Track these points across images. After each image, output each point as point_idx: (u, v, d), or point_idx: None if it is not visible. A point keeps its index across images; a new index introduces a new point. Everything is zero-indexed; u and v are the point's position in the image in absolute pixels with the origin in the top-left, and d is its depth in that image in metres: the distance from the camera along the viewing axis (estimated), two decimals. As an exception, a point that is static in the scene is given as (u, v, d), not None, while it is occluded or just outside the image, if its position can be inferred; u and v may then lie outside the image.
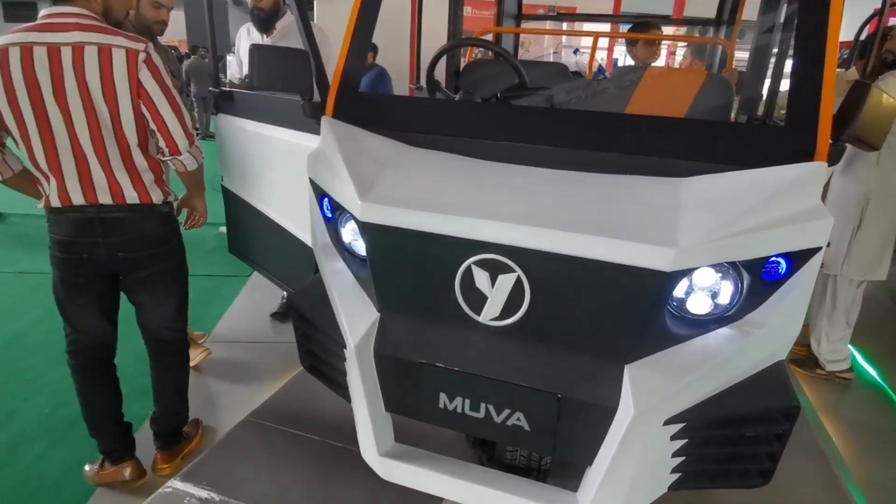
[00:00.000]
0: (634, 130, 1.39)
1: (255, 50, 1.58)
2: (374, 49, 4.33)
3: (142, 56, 1.52)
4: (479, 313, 1.21)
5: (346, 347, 1.41)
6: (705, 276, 1.16)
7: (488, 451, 1.71)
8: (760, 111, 2.17)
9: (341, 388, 1.58)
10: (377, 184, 1.30)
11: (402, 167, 1.37)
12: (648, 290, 1.09)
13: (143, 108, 1.56)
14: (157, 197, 1.69)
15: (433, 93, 1.91)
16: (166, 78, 1.59)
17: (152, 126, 1.60)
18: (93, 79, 1.48)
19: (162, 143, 1.63)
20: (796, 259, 1.19)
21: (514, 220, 1.12)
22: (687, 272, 1.11)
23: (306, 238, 1.95)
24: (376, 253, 1.28)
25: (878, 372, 2.81)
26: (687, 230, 1.08)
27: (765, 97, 2.13)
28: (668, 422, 1.16)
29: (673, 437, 1.19)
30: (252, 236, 2.38)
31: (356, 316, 1.34)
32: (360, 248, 1.43)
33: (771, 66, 2.17)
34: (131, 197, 1.64)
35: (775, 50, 2.19)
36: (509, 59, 1.74)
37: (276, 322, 3.12)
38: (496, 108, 1.61)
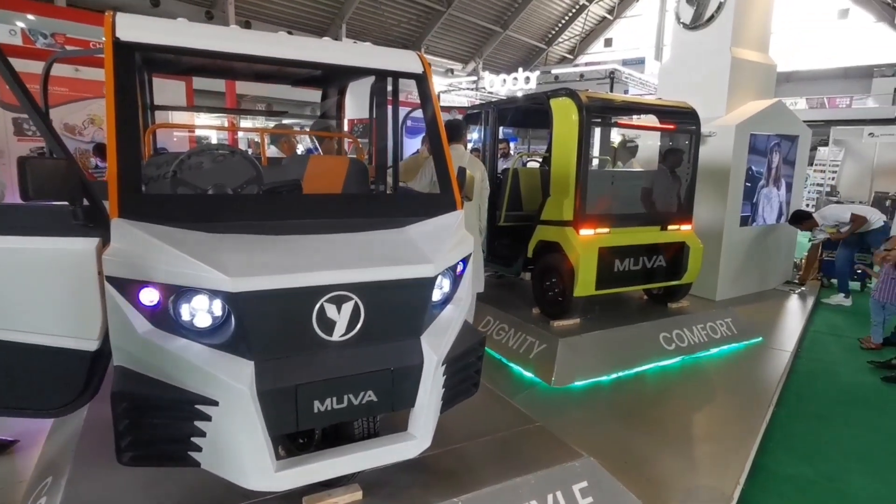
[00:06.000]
0: (363, 203, 2.24)
1: (25, 163, 1.59)
2: None
3: None
4: (331, 335, 1.78)
5: (213, 404, 1.68)
6: (440, 278, 2.09)
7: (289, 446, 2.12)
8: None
9: (182, 458, 1.76)
10: (228, 263, 1.67)
11: (230, 248, 1.76)
12: (425, 290, 1.93)
13: None
14: None
15: (176, 187, 2.20)
16: None
17: None
18: None
19: None
20: (465, 260, 2.27)
21: (350, 266, 1.77)
22: (437, 276, 2.01)
23: (79, 344, 1.87)
24: (248, 315, 1.65)
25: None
26: (432, 253, 1.98)
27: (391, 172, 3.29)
28: (442, 364, 2.02)
29: (443, 374, 2.06)
30: None
31: (232, 371, 1.65)
32: (202, 321, 1.72)
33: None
34: None
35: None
36: (252, 161, 2.26)
37: None
38: (262, 198, 2.13)
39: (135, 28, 1.95)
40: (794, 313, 6.01)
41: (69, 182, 1.71)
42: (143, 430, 1.71)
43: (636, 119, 5.99)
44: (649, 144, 6.90)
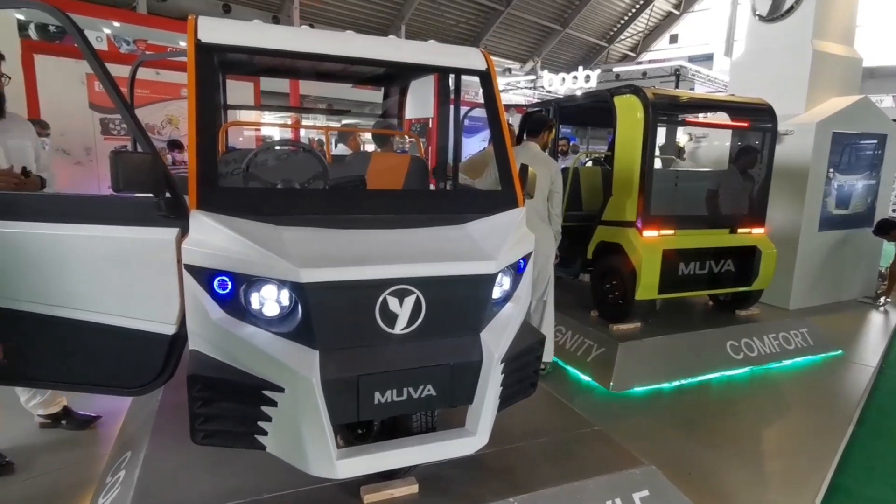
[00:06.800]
0: (425, 199, 2.25)
1: (116, 157, 1.70)
2: None
3: None
4: (392, 328, 1.80)
5: (280, 390, 1.73)
6: (500, 275, 2.07)
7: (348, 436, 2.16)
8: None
9: (249, 440, 1.83)
10: (297, 254, 1.72)
11: (299, 240, 1.82)
12: (485, 287, 1.92)
13: None
14: None
15: (248, 181, 2.29)
16: None
17: None
18: None
19: None
20: (526, 258, 2.24)
21: (412, 260, 1.79)
22: (497, 274, 1.99)
23: (158, 328, 1.99)
24: (315, 305, 1.70)
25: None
26: (493, 250, 1.96)
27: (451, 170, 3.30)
28: (501, 361, 2.00)
29: (501, 372, 2.04)
30: (44, 351, 2.06)
31: (297, 359, 1.70)
32: (271, 309, 1.78)
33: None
34: None
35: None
36: (319, 157, 2.32)
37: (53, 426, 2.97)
38: (331, 193, 2.19)
39: (215, 30, 2.05)
40: (878, 326, 5.57)
41: (154, 175, 1.81)
42: (215, 412, 1.79)
43: (703, 117, 5.74)
44: (716, 145, 6.59)
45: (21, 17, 7.41)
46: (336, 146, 6.53)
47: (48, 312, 2.02)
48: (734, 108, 4.74)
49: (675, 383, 3.94)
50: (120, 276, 1.97)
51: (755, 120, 4.63)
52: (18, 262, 1.99)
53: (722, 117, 5.04)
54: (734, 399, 3.80)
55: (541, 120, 3.90)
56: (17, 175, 2.47)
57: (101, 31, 10.82)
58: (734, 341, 4.31)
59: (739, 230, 4.44)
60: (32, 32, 9.48)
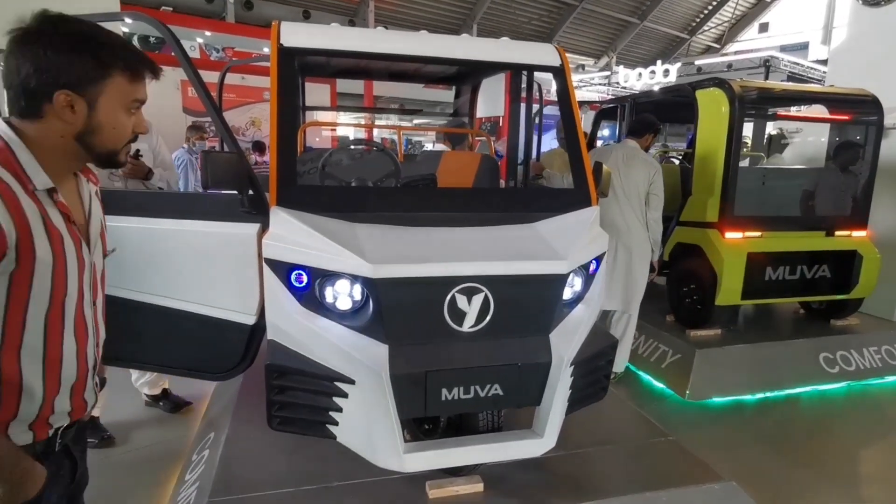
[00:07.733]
0: (495, 197, 2.24)
1: (206, 156, 1.82)
2: None
3: None
4: (461, 325, 1.80)
5: (350, 382, 1.78)
6: (572, 276, 2.02)
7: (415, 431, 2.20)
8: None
9: (321, 429, 1.89)
10: (369, 250, 1.76)
11: (371, 237, 1.86)
12: (556, 287, 1.88)
13: None
14: None
15: (324, 179, 2.39)
16: None
17: None
18: None
19: None
20: (599, 259, 2.17)
21: (481, 259, 1.78)
22: (568, 274, 1.95)
23: (240, 317, 2.11)
24: (385, 300, 1.73)
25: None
26: (564, 250, 1.92)
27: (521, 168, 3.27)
28: (570, 364, 1.95)
29: (571, 375, 1.99)
30: (139, 335, 2.26)
31: (368, 353, 1.74)
32: (344, 303, 1.83)
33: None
34: None
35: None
36: (392, 156, 2.37)
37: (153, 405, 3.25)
38: (403, 191, 2.22)
39: (296, 34, 2.14)
40: None
41: (239, 174, 1.92)
42: (290, 401, 1.87)
43: (795, 110, 5.32)
44: (810, 140, 6.09)
45: (126, 29, 8.09)
46: (434, 144, 6.66)
47: (144, 300, 2.19)
48: (833, 101, 4.36)
49: (760, 395, 3.68)
50: (206, 267, 2.11)
51: (857, 113, 4.24)
52: (122, 254, 2.17)
53: (818, 111, 4.66)
54: (828, 416, 3.51)
55: (648, 122, 3.75)
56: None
57: (195, 41, 11.62)
58: (829, 353, 3.97)
59: (837, 233, 4.08)
60: (136, 43, 10.35)
